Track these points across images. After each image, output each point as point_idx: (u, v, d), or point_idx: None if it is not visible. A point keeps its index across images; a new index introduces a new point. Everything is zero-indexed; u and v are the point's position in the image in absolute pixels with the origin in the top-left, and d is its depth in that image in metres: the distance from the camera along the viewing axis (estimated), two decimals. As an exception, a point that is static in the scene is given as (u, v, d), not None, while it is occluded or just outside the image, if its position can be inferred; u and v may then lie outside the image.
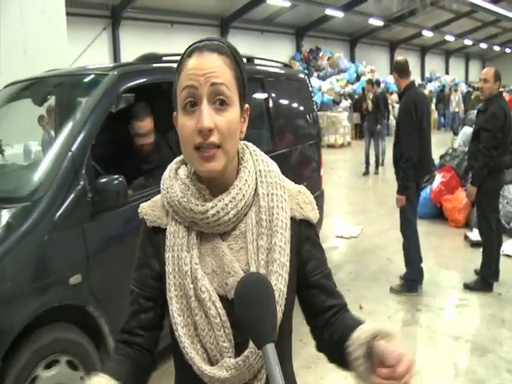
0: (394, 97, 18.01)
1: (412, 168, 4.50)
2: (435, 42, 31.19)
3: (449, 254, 5.99)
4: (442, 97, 22.38)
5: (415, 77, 26.83)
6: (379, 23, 24.32)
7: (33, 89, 3.90)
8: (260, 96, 4.61)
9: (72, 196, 2.70)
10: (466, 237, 6.35)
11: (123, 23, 16.12)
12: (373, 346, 0.97)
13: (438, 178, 7.23)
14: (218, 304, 1.06)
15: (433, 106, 21.32)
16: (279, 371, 0.87)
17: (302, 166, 5.20)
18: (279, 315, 1.06)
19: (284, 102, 5.11)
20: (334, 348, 1.11)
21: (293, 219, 1.14)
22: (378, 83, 13.57)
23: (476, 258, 5.14)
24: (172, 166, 1.18)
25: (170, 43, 13.49)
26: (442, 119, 22.16)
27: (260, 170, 1.14)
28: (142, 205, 1.20)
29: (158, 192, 1.19)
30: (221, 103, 1.04)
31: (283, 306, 1.08)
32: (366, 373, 0.98)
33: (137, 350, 1.15)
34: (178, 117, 1.08)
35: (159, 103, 3.45)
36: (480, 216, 4.83)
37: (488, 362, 3.58)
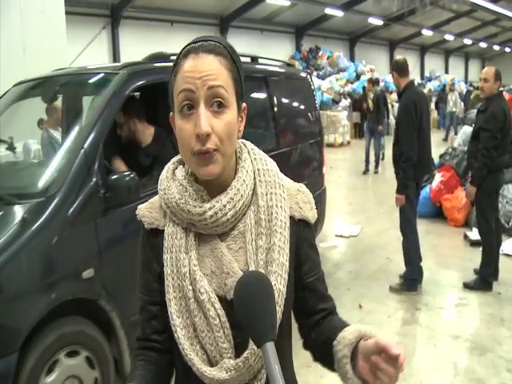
0: (394, 96, 18.02)
1: (411, 167, 4.50)
2: (435, 42, 31.17)
3: (448, 254, 5.99)
4: (443, 96, 22.36)
5: (415, 76, 26.83)
6: (379, 22, 24.31)
7: (42, 88, 3.97)
8: (264, 95, 4.65)
9: (85, 192, 2.78)
10: (465, 236, 6.35)
11: (123, 22, 16.09)
12: (358, 347, 1.00)
13: (438, 178, 7.23)
14: (217, 305, 1.06)
15: (432, 106, 21.33)
16: (279, 370, 0.87)
17: (305, 163, 5.26)
18: (279, 315, 1.06)
19: (287, 100, 5.16)
20: (320, 348, 1.13)
21: (292, 218, 1.13)
22: (377, 82, 13.58)
23: (475, 257, 5.15)
24: (169, 166, 1.17)
25: (170, 42, 13.46)
26: (442, 119, 22.14)
27: (258, 169, 1.14)
28: (139, 206, 1.19)
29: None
30: (218, 105, 1.03)
31: (283, 306, 1.08)
32: (349, 371, 1.01)
33: (156, 352, 1.16)
34: (175, 119, 1.08)
35: (166, 101, 3.51)
36: (479, 215, 4.83)
37: (487, 361, 3.58)
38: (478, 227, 4.94)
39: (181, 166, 1.16)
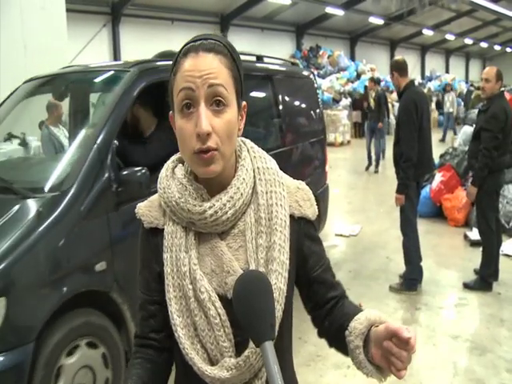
0: (394, 96, 18.00)
1: (412, 167, 4.49)
2: (435, 41, 31.17)
3: (448, 253, 5.99)
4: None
5: (415, 76, 26.83)
6: (379, 22, 24.30)
7: (53, 85, 4.07)
8: (270, 94, 4.71)
9: (98, 187, 2.86)
10: (465, 236, 6.35)
11: (123, 20, 16.09)
12: (370, 335, 1.04)
13: (438, 177, 7.23)
14: (218, 304, 1.05)
15: (433, 105, 21.33)
16: (278, 370, 0.86)
17: (309, 161, 5.34)
18: (279, 314, 1.06)
19: (292, 99, 5.22)
20: (334, 336, 1.15)
21: (292, 217, 1.13)
22: (378, 81, 13.63)
23: (475, 257, 5.15)
24: (169, 164, 1.17)
25: (171, 40, 13.45)
26: (442, 118, 22.14)
27: (258, 168, 1.13)
28: (138, 205, 1.19)
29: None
30: (218, 104, 1.03)
31: (283, 305, 1.08)
32: (363, 361, 1.04)
33: (154, 350, 1.17)
34: (175, 118, 1.07)
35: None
36: (479, 215, 4.82)
37: (487, 362, 3.58)
38: (478, 227, 4.93)
39: (180, 165, 1.15)
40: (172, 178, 1.12)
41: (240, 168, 1.11)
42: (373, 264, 5.59)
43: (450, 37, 30.18)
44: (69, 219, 2.72)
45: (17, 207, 2.73)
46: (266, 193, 1.11)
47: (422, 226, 5.66)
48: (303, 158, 5.18)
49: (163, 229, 1.13)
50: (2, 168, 3.68)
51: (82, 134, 3.38)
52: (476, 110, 7.60)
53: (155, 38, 15.78)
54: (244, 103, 1.12)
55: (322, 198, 5.41)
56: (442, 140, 16.30)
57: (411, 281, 4.77)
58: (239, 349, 1.05)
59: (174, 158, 1.18)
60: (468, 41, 32.31)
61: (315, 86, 5.71)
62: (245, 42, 18.18)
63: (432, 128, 5.37)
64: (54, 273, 2.63)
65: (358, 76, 22.12)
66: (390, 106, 13.99)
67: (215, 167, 1.03)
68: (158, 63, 3.55)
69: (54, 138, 5.15)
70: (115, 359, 2.86)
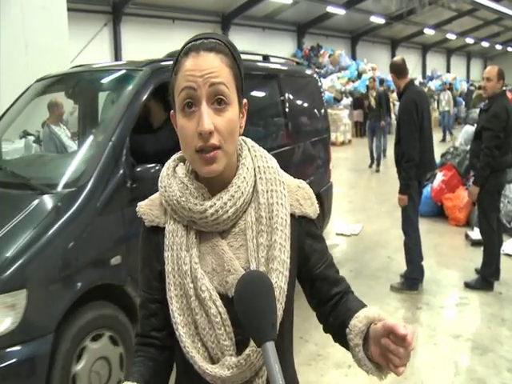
0: (395, 95, 18.00)
1: (414, 167, 4.49)
2: (437, 41, 31.13)
3: (449, 253, 5.98)
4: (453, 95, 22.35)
5: (416, 75, 26.81)
6: (381, 21, 24.29)
7: (66, 83, 4.16)
8: (276, 93, 4.79)
9: (113, 183, 2.95)
10: (466, 236, 6.34)
11: (124, 19, 16.08)
12: (369, 332, 1.04)
13: (439, 177, 7.22)
14: (219, 302, 1.05)
15: (434, 105, 21.30)
16: (279, 369, 0.86)
17: (314, 159, 5.42)
18: (280, 313, 1.06)
19: (297, 98, 5.29)
20: (337, 332, 1.15)
21: (292, 215, 1.13)
22: (381, 82, 13.83)
23: (476, 256, 5.14)
24: (170, 163, 1.17)
25: (172, 39, 13.45)
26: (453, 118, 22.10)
27: (259, 167, 1.13)
28: (139, 204, 1.19)
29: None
30: (220, 103, 1.03)
31: (284, 304, 1.08)
32: (363, 359, 1.05)
33: (155, 348, 1.17)
34: (176, 117, 1.07)
35: None
36: (481, 215, 4.82)
37: (488, 361, 3.58)
38: (480, 227, 4.93)
39: (181, 164, 1.15)
40: (173, 176, 1.12)
41: (241, 167, 1.11)
42: (374, 263, 5.59)
43: (451, 36, 30.14)
44: (85, 214, 2.81)
45: (35, 202, 2.82)
46: (267, 192, 1.11)
47: (423, 226, 5.66)
48: (308, 156, 5.27)
49: (164, 227, 1.13)
50: (17, 165, 3.76)
51: (97, 131, 3.48)
52: (477, 110, 7.59)
53: (156, 37, 15.79)
54: (245, 101, 1.12)
55: (326, 196, 5.51)
56: (443, 140, 16.28)
57: (412, 280, 4.77)
58: (240, 347, 1.05)
59: (175, 156, 1.19)
60: (469, 40, 32.27)
61: (319, 84, 5.80)
62: (246, 42, 18.16)
63: (433, 127, 5.36)
64: (72, 266, 2.72)
65: (359, 75, 22.09)
66: (391, 105, 14.00)
67: (217, 166, 1.04)
68: (169, 63, 3.59)
69: (55, 137, 5.17)
70: (129, 352, 2.91)
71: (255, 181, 1.12)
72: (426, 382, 3.37)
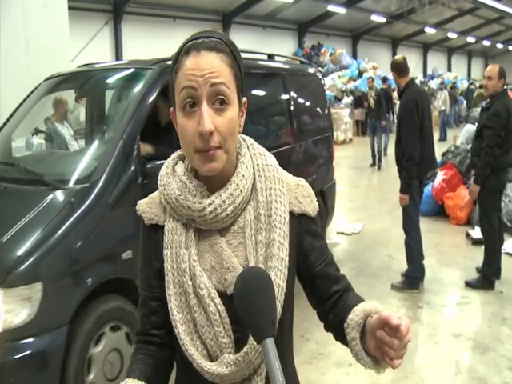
0: (396, 94, 17.98)
1: (414, 166, 4.48)
2: (438, 39, 31.11)
3: (450, 252, 5.98)
4: (453, 94, 22.34)
5: (417, 74, 26.79)
6: (381, 20, 24.27)
7: (76, 82, 4.25)
8: (281, 91, 4.87)
9: (125, 179, 3.02)
10: (467, 234, 6.34)
11: (125, 18, 16.08)
12: (366, 325, 1.04)
13: (440, 176, 7.21)
14: (217, 300, 1.06)
15: (435, 103, 21.27)
16: (278, 366, 0.86)
17: (318, 157, 5.48)
18: (278, 310, 1.06)
19: (302, 96, 5.33)
20: (337, 329, 1.14)
21: (291, 213, 1.13)
22: (384, 80, 13.89)
23: (477, 255, 5.14)
24: (169, 162, 1.17)
25: (172, 38, 13.45)
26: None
27: (258, 164, 1.13)
28: (139, 202, 1.20)
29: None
30: (220, 103, 1.03)
31: (283, 301, 1.08)
32: (360, 352, 1.04)
33: (156, 346, 1.17)
34: (176, 116, 1.07)
35: None
36: (482, 214, 4.81)
37: (489, 360, 3.58)
38: (481, 226, 4.92)
39: (180, 162, 1.15)
40: (172, 175, 1.13)
41: (240, 165, 1.11)
42: (375, 262, 5.58)
43: (452, 35, 30.12)
44: (98, 210, 2.88)
45: (49, 198, 2.90)
46: (266, 190, 1.11)
47: (424, 225, 5.66)
48: (312, 154, 5.33)
49: (164, 225, 1.14)
50: (29, 162, 3.81)
51: (108, 129, 3.56)
52: (478, 109, 7.59)
53: (157, 35, 15.79)
54: (244, 99, 1.12)
55: (329, 193, 5.58)
56: (444, 139, 16.26)
57: (413, 279, 4.77)
58: (239, 345, 1.06)
59: (174, 155, 1.19)
60: (470, 39, 32.24)
61: (322, 83, 5.87)
62: (246, 40, 18.16)
63: (434, 126, 5.36)
64: (85, 260, 2.77)
65: (360, 74, 22.07)
66: (393, 102, 14.04)
67: (217, 165, 1.04)
68: None
69: (57, 135, 5.20)
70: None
71: (254, 179, 1.12)
72: (426, 381, 3.37)
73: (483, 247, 4.90)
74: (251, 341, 1.03)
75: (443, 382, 3.38)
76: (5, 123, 3.96)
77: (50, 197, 2.91)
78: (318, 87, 5.72)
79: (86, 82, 4.19)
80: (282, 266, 1.07)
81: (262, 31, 20.94)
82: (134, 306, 2.98)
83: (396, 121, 5.01)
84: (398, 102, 7.40)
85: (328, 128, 5.74)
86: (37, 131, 4.89)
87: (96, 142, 3.69)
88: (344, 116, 17.40)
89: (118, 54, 15.83)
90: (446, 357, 3.65)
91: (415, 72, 26.56)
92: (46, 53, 6.34)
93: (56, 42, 6.58)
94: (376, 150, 11.84)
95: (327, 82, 19.81)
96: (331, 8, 21.07)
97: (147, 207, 1.17)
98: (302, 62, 6.10)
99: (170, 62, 1.04)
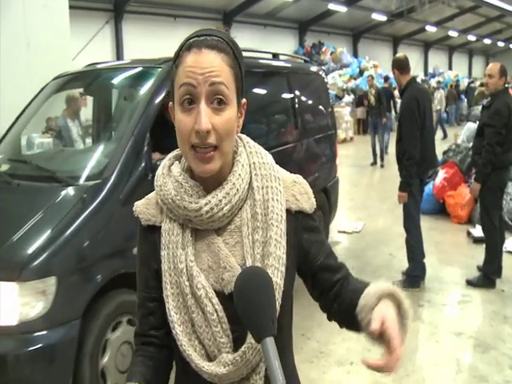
0: (397, 92, 17.96)
1: (414, 165, 4.48)
2: (438, 38, 31.07)
3: (451, 250, 5.98)
4: (458, 92, 22.34)
5: (418, 72, 26.76)
6: (382, 18, 24.25)
7: (84, 81, 4.31)
8: (285, 90, 4.93)
9: (135, 175, 3.07)
10: (468, 233, 6.33)
11: (126, 17, 16.08)
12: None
13: (441, 174, 7.20)
14: (215, 300, 1.05)
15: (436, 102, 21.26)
16: (278, 365, 0.86)
17: (322, 154, 5.54)
18: (277, 308, 1.06)
19: (306, 95, 5.40)
20: (345, 315, 1.15)
21: (288, 211, 1.13)
22: (386, 79, 13.96)
23: (478, 254, 5.14)
24: (165, 162, 1.17)
25: (173, 37, 13.41)
26: (445, 115, 22.09)
27: (254, 163, 1.13)
28: (136, 203, 1.19)
29: None
30: (219, 102, 1.03)
31: (280, 300, 1.07)
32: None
33: (155, 347, 1.17)
34: (174, 110, 1.07)
35: None
36: (483, 212, 4.81)
37: (490, 359, 3.57)
38: (482, 224, 4.92)
39: (177, 162, 1.15)
40: (168, 175, 1.13)
41: (236, 164, 1.11)
42: (376, 261, 5.58)
43: (453, 33, 30.09)
44: (109, 206, 2.93)
45: (62, 194, 2.98)
46: (262, 188, 1.11)
47: (425, 223, 5.65)
48: (317, 151, 5.39)
49: (161, 226, 1.13)
50: (41, 159, 3.86)
51: (119, 126, 3.62)
52: (480, 107, 7.58)
53: (158, 34, 15.78)
54: (244, 101, 1.12)
55: (332, 190, 5.65)
56: (445, 137, 16.26)
57: (414, 277, 4.77)
58: (237, 344, 1.05)
59: (170, 155, 1.19)
60: (471, 37, 32.21)
61: (326, 81, 5.94)
62: (247, 39, 18.14)
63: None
64: (97, 255, 2.82)
65: (361, 73, 22.06)
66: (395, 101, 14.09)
67: (213, 166, 1.04)
68: None
69: (66, 131, 5.25)
70: None
71: (250, 177, 1.12)
72: (427, 380, 3.37)
73: (484, 246, 4.90)
74: (249, 340, 1.03)
75: (444, 380, 3.38)
76: (14, 122, 4.03)
77: (63, 193, 2.98)
78: (321, 86, 5.78)
79: (94, 80, 4.26)
80: (280, 264, 1.07)
81: (263, 30, 20.93)
82: None
83: (398, 119, 5.01)
84: (399, 101, 7.44)
85: (331, 126, 5.81)
86: (47, 129, 4.97)
87: (106, 140, 3.78)
88: (345, 115, 17.38)
89: (119, 53, 15.83)
90: (447, 355, 3.65)
91: (416, 70, 26.52)
92: (47, 52, 6.34)
93: (57, 42, 6.58)
94: (378, 147, 11.87)
95: (328, 80, 19.81)
96: (332, 6, 21.05)
97: (144, 208, 1.17)
98: (305, 61, 6.18)
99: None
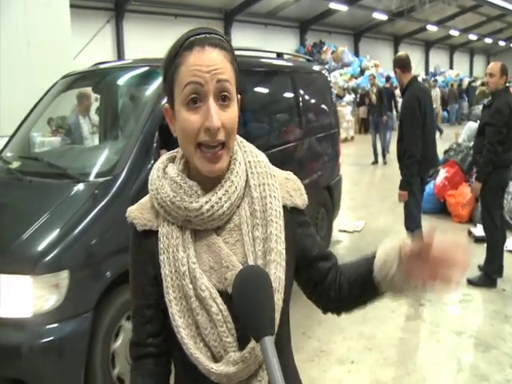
0: (398, 91, 17.96)
1: (415, 164, 4.48)
2: (440, 37, 31.05)
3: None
4: (460, 91, 22.35)
5: (419, 72, 26.74)
6: (383, 17, 24.23)
7: (92, 79, 4.37)
8: (290, 89, 4.98)
9: (144, 172, 3.10)
10: (469, 232, 6.33)
11: (127, 16, 16.08)
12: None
13: (442, 173, 7.20)
14: (219, 300, 1.05)
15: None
16: (277, 364, 0.86)
17: (325, 152, 5.58)
18: (280, 303, 1.07)
19: (310, 94, 5.43)
20: (350, 293, 1.18)
21: (284, 207, 1.14)
22: (387, 79, 14.01)
23: (480, 253, 5.13)
24: (159, 165, 1.16)
25: (174, 36, 13.32)
26: (447, 114, 22.10)
27: (249, 161, 1.14)
28: (129, 209, 1.18)
29: None
30: (224, 99, 1.03)
31: (283, 294, 1.08)
32: (403, 279, 1.10)
33: (153, 358, 1.16)
34: (177, 111, 1.06)
35: None
36: (484, 212, 4.81)
37: (491, 358, 3.57)
38: (483, 223, 4.92)
39: (171, 164, 1.15)
40: (164, 178, 1.12)
41: (233, 162, 1.11)
42: (376, 260, 5.57)
43: (454, 32, 30.06)
44: (120, 202, 2.97)
45: (73, 190, 3.06)
46: (259, 185, 1.11)
47: (426, 222, 5.64)
48: (320, 150, 5.43)
49: (157, 231, 1.12)
50: (51, 156, 3.91)
51: (127, 124, 3.69)
52: (480, 106, 7.57)
53: (159, 33, 15.76)
54: (239, 96, 1.12)
55: (336, 188, 5.73)
56: (440, 133, 16.24)
57: (415, 277, 4.75)
58: (241, 343, 1.05)
59: (163, 158, 1.18)
60: (472, 36, 32.18)
61: (329, 80, 5.99)
62: (248, 38, 18.15)
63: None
64: (107, 249, 2.87)
65: (362, 72, 22.06)
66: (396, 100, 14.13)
67: (221, 164, 1.05)
68: None
69: (77, 128, 5.27)
70: None
71: (247, 175, 1.12)
72: (428, 379, 3.37)
73: (485, 245, 4.89)
74: None
75: (445, 379, 3.38)
76: (24, 120, 4.08)
77: (74, 189, 3.06)
78: (324, 84, 5.83)
79: (102, 79, 4.31)
80: (281, 258, 1.08)
81: (264, 29, 20.92)
82: None
83: (399, 118, 5.01)
84: (400, 100, 7.45)
85: (335, 125, 5.86)
86: (58, 127, 5.01)
87: (116, 137, 3.86)
88: (346, 114, 17.35)
89: (120, 52, 15.84)
90: (448, 354, 3.64)
91: (417, 70, 26.50)
92: (48, 51, 6.35)
93: (57, 41, 6.58)
94: (379, 146, 11.94)
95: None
96: (333, 6, 21.04)
97: (138, 213, 1.15)
98: (309, 61, 6.22)
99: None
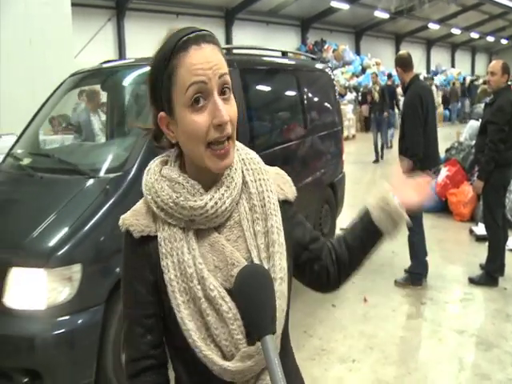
0: (400, 90, 17.93)
1: (417, 162, 4.47)
2: (441, 35, 30.99)
3: (454, 248, 5.97)
4: (463, 90, 22.33)
5: (421, 70, 26.70)
6: (385, 16, 24.20)
7: (100, 77, 4.43)
8: (294, 87, 5.02)
9: None
10: (471, 231, 6.32)
11: (128, 14, 16.08)
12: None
13: (444, 172, 7.19)
14: (228, 298, 1.04)
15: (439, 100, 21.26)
16: (278, 363, 0.86)
17: (329, 150, 5.64)
18: (286, 294, 1.08)
19: (314, 92, 5.48)
20: (350, 254, 1.25)
21: (278, 201, 1.16)
22: (389, 76, 14.01)
23: (481, 252, 5.12)
24: (154, 169, 1.14)
25: (175, 35, 13.38)
26: (448, 112, 22.08)
27: (243, 159, 1.16)
28: (122, 217, 1.15)
29: None
30: (225, 92, 1.04)
31: (287, 286, 1.09)
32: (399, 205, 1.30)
33: (153, 370, 1.13)
34: (180, 115, 1.04)
35: None
36: (486, 210, 4.80)
37: (493, 357, 3.57)
38: (485, 222, 4.91)
39: (167, 167, 1.13)
40: (162, 180, 1.10)
41: None
42: (378, 258, 5.54)
43: (455, 31, 30.01)
44: (131, 197, 2.96)
45: (85, 186, 3.13)
46: (255, 181, 1.13)
47: (428, 221, 5.63)
48: (324, 147, 5.48)
49: (155, 236, 1.10)
50: (62, 153, 3.96)
51: (136, 121, 3.76)
52: (482, 105, 7.55)
53: (160, 31, 15.46)
54: None
55: (339, 185, 5.82)
56: None
57: (416, 275, 4.76)
58: (249, 339, 1.05)
59: (156, 161, 1.16)
60: (474, 35, 32.12)
61: (332, 78, 6.04)
62: (250, 36, 18.14)
63: (438, 123, 5.35)
64: (117, 244, 2.82)
65: (363, 70, 22.03)
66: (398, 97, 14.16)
67: (229, 160, 1.05)
68: None
69: (88, 125, 5.31)
70: None
71: (242, 172, 1.14)
72: (430, 378, 3.36)
73: (487, 244, 4.89)
74: None
75: (446, 378, 3.38)
76: (33, 118, 4.12)
77: (86, 185, 3.12)
78: (328, 83, 5.88)
79: (110, 77, 4.35)
80: (283, 249, 1.10)
81: (266, 27, 20.90)
82: None
83: (401, 117, 5.01)
84: (402, 98, 7.46)
85: (338, 122, 5.92)
86: (68, 124, 5.01)
87: (125, 134, 3.91)
88: (347, 112, 17.32)
89: (121, 51, 15.84)
90: (450, 353, 3.64)
91: (419, 68, 26.46)
92: (49, 49, 6.35)
93: (59, 39, 6.59)
94: (380, 143, 12.01)
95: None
96: (334, 4, 21.02)
97: (134, 220, 1.12)
98: (313, 59, 6.28)
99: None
